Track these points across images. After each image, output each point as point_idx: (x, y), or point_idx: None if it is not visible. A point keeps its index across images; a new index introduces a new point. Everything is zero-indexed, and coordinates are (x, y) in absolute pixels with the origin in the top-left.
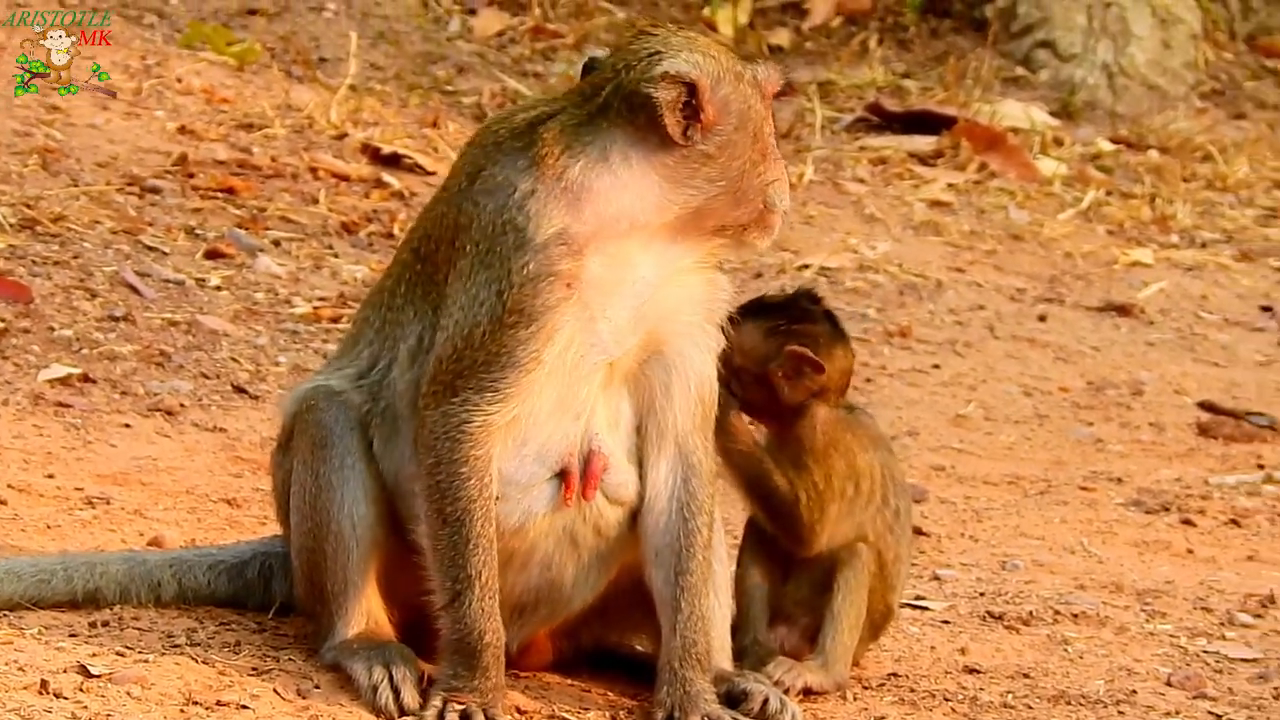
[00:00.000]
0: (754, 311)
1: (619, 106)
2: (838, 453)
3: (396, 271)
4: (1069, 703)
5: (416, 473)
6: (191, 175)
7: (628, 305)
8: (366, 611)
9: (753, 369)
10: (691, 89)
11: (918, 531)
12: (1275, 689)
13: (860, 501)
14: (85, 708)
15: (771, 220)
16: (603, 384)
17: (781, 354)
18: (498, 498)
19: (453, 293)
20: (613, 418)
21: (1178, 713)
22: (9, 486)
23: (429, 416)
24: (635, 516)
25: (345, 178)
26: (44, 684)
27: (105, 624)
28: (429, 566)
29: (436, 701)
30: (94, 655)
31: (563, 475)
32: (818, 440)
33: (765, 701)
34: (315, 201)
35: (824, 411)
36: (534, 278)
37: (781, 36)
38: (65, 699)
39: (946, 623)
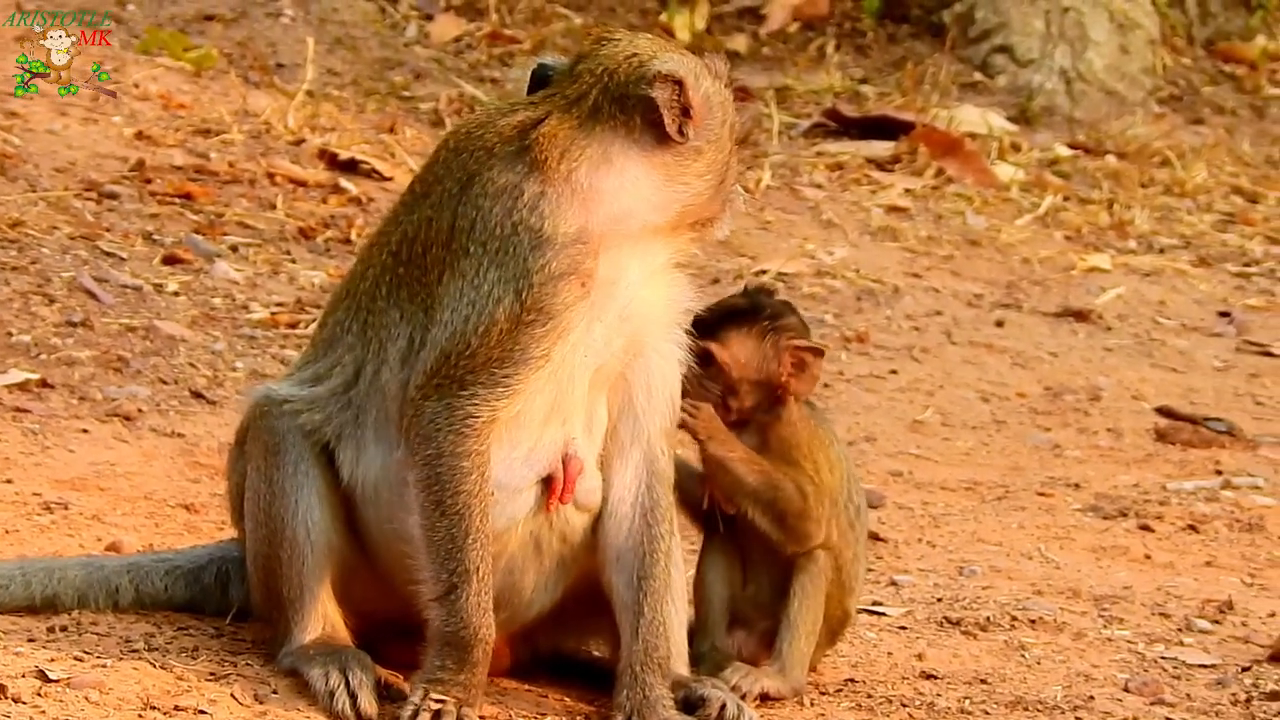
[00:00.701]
0: (732, 321)
1: (611, 109)
2: (818, 446)
3: (374, 275)
4: (1026, 708)
5: (410, 462)
6: (149, 181)
7: (618, 306)
8: (323, 616)
9: (754, 376)
10: (680, 86)
11: (875, 537)
12: (1233, 695)
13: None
14: (43, 713)
15: (734, 210)
16: (588, 388)
17: (784, 353)
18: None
19: (457, 293)
20: (589, 423)
21: (1135, 718)
22: None
23: (429, 408)
24: (597, 522)
25: (303, 183)
26: (2, 689)
27: (63, 629)
28: (421, 559)
29: (418, 693)
30: (52, 660)
31: (547, 481)
32: (801, 435)
33: (723, 707)
34: (273, 207)
35: (797, 409)
36: (555, 276)
37: (739, 42)
38: (24, 704)
39: (904, 628)
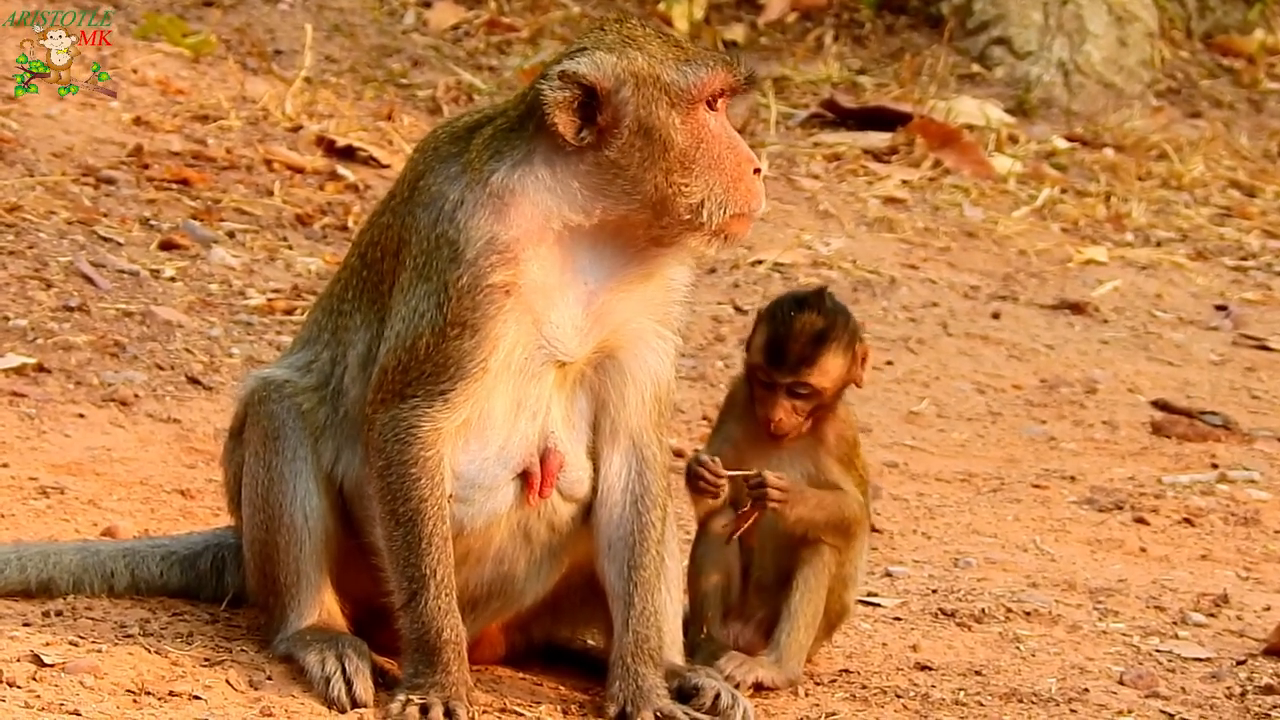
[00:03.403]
0: (823, 345)
1: (536, 109)
2: (859, 438)
3: (345, 276)
4: (1021, 700)
5: (368, 475)
6: (146, 166)
7: (574, 309)
8: (319, 603)
9: (841, 386)
10: (590, 91)
11: (871, 528)
12: (1227, 688)
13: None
14: (38, 696)
15: (729, 228)
16: (557, 384)
17: (860, 356)
18: (461, 500)
19: (395, 304)
20: (568, 416)
21: (1130, 711)
22: None
23: (378, 419)
24: (589, 511)
25: (300, 170)
26: None
27: (59, 613)
28: (386, 568)
29: (397, 703)
30: (47, 644)
31: (524, 476)
32: (854, 430)
33: (717, 696)
34: (270, 194)
35: (844, 402)
36: (470, 290)
37: (737, 32)
38: (18, 688)
39: (898, 619)
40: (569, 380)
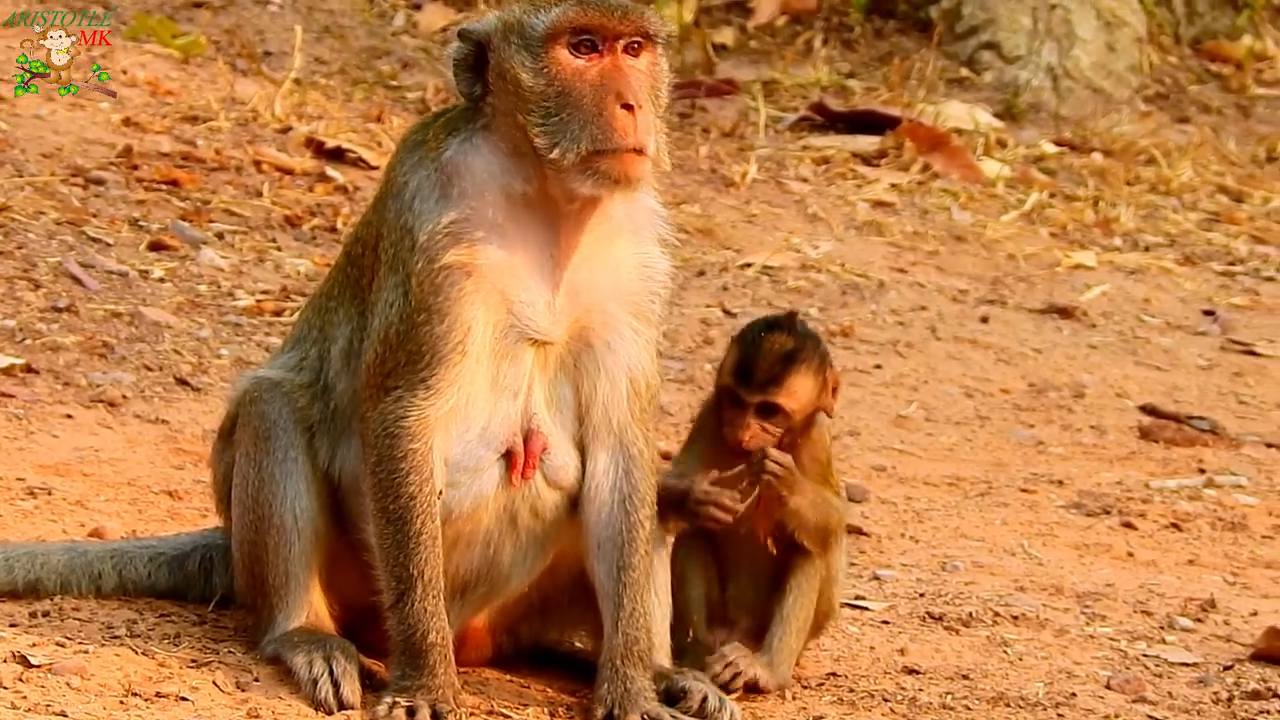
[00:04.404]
0: (791, 366)
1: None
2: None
3: (333, 274)
4: (1008, 704)
5: (362, 471)
6: (136, 167)
7: (542, 285)
8: (308, 604)
9: (810, 409)
10: (481, 47)
11: (858, 532)
12: (1214, 693)
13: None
14: (25, 697)
15: (597, 166)
16: (539, 366)
17: (830, 381)
18: (448, 485)
19: (373, 298)
20: (551, 399)
21: (1117, 716)
22: None
23: (370, 417)
24: (576, 504)
25: (289, 171)
26: None
27: (45, 614)
28: (377, 566)
29: (383, 707)
30: (34, 645)
31: (508, 456)
32: (829, 453)
33: (704, 699)
34: (259, 195)
35: (822, 426)
36: (429, 274)
37: (726, 35)
38: (5, 689)
39: (886, 623)
40: (550, 363)
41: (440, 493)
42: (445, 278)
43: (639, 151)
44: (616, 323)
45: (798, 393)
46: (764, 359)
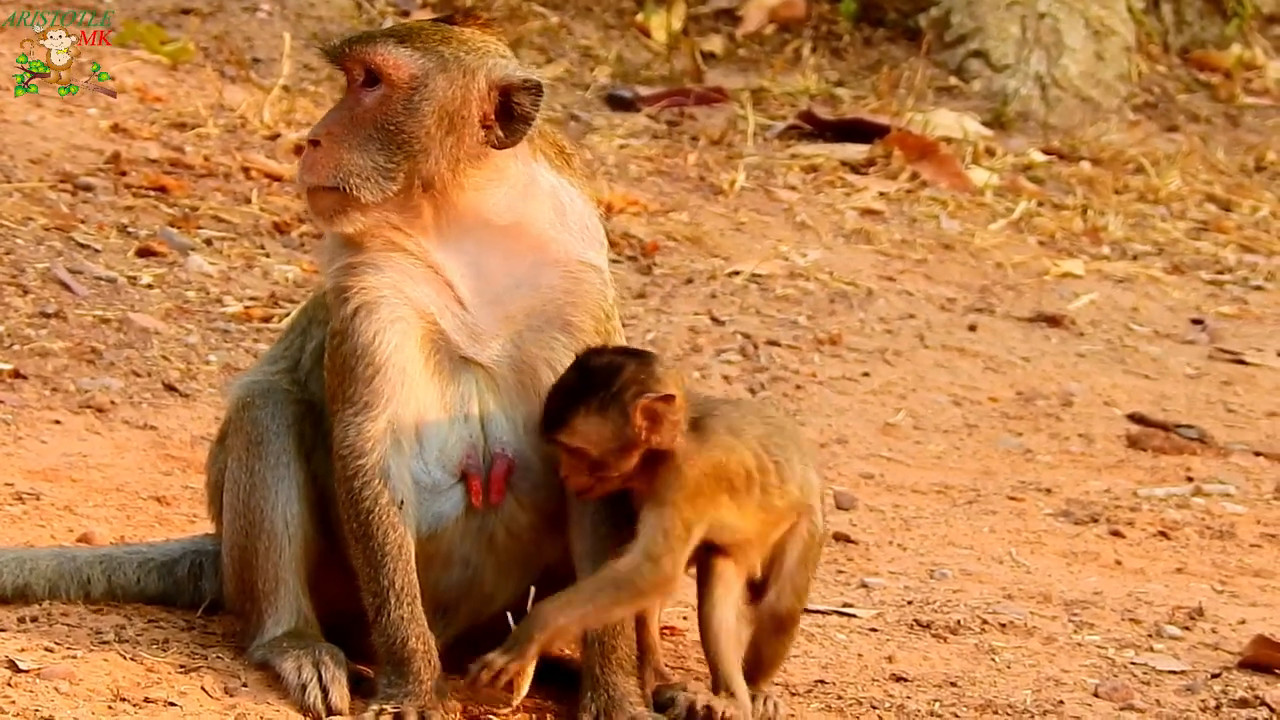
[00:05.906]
0: (569, 404)
1: None
2: (709, 479)
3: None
4: (996, 712)
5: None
6: (124, 173)
7: (452, 301)
8: (297, 610)
9: (614, 446)
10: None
11: (846, 539)
12: (1202, 701)
13: (754, 493)
14: (13, 702)
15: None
16: (489, 388)
17: (634, 413)
18: (415, 503)
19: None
20: (513, 423)
21: None
22: None
23: (334, 433)
24: (555, 520)
25: (278, 178)
26: None
27: (34, 619)
28: (359, 583)
29: (373, 708)
30: (22, 650)
31: (466, 479)
32: (688, 476)
33: (691, 707)
34: (247, 201)
35: (682, 443)
36: (335, 295)
37: (715, 43)
38: None
39: (874, 630)
40: (500, 386)
41: (401, 503)
42: (347, 299)
43: (313, 190)
44: (551, 340)
45: (582, 432)
46: (550, 400)
